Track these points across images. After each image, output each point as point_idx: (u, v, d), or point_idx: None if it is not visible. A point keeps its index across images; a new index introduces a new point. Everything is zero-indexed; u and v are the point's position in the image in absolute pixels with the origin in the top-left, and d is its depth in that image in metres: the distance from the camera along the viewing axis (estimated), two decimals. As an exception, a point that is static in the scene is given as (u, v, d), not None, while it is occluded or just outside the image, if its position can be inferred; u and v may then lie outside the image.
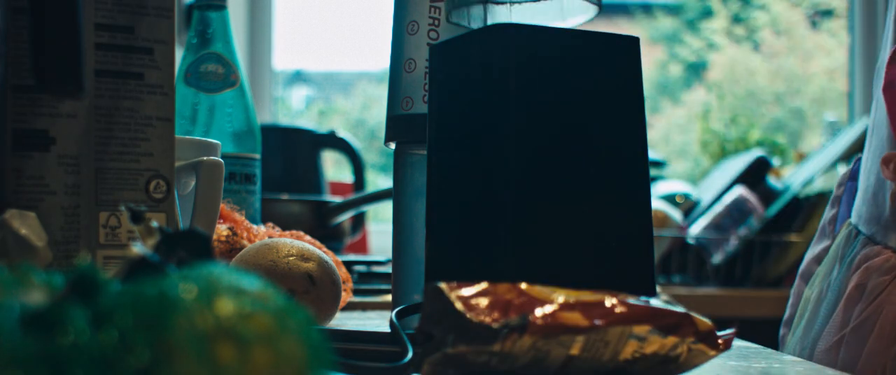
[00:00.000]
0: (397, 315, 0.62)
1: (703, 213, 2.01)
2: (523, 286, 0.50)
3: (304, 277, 0.75)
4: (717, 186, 2.06)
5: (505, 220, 0.68)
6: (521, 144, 0.65)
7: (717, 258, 1.92)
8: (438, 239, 0.68)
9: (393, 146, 0.79)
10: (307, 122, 2.76)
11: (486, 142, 0.66)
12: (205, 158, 0.72)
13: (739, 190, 1.93)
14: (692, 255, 1.98)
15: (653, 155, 2.37)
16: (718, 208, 1.93)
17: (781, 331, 1.02)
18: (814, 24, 3.17)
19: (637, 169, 0.69)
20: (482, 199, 0.68)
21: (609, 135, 0.70)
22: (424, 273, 0.70)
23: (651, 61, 3.14)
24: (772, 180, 2.03)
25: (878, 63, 0.83)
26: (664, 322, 0.51)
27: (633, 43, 0.68)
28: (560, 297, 0.50)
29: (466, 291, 0.49)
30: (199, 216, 0.71)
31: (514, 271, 0.66)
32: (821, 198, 1.92)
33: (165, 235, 0.37)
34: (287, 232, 0.92)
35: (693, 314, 0.53)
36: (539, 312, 0.48)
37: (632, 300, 0.51)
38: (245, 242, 0.85)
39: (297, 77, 2.84)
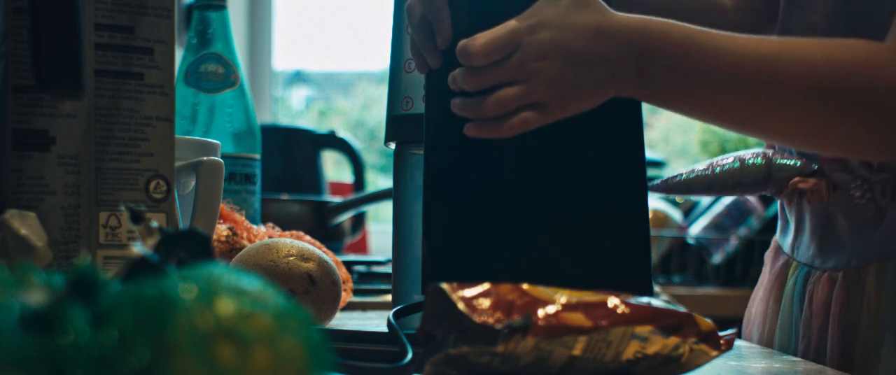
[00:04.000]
0: (395, 315, 0.62)
1: (703, 213, 2.01)
2: (525, 286, 0.50)
3: (304, 277, 0.75)
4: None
5: (502, 221, 0.68)
6: (519, 145, 0.65)
7: (717, 258, 1.92)
8: (436, 240, 0.68)
9: (393, 146, 0.79)
10: (307, 122, 2.76)
11: (483, 143, 0.66)
12: (205, 158, 0.72)
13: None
14: (692, 255, 1.98)
15: (653, 155, 2.37)
16: (718, 208, 1.93)
17: None
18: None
19: (634, 170, 0.69)
20: (480, 200, 0.68)
21: (606, 136, 0.70)
22: (421, 273, 0.69)
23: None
24: (772, 180, 2.03)
25: None
26: (666, 323, 0.51)
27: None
28: (562, 298, 0.50)
29: (468, 292, 0.49)
30: (199, 216, 0.71)
31: (510, 271, 0.66)
32: (821, 198, 1.91)
33: (165, 235, 0.37)
34: (287, 232, 0.92)
35: (695, 314, 0.53)
36: (541, 313, 0.48)
37: (634, 300, 0.51)
38: (245, 242, 0.85)
39: (297, 77, 2.84)
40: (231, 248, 0.85)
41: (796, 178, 0.82)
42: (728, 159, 0.84)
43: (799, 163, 0.82)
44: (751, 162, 0.83)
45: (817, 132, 0.68)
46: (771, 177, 0.83)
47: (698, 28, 0.66)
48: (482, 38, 0.63)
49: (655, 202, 2.02)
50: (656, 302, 0.52)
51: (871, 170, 0.78)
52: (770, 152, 0.84)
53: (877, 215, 0.78)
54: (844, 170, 0.80)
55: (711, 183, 0.84)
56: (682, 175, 0.85)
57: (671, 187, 0.84)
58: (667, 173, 2.45)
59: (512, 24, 0.63)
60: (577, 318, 0.49)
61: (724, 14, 0.95)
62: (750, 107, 0.67)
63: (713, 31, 0.66)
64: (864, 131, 0.67)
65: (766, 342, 0.90)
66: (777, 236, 0.92)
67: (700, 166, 0.84)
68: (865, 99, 0.65)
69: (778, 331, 0.88)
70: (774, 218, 0.88)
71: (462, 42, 0.63)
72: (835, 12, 0.79)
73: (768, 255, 0.93)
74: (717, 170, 0.83)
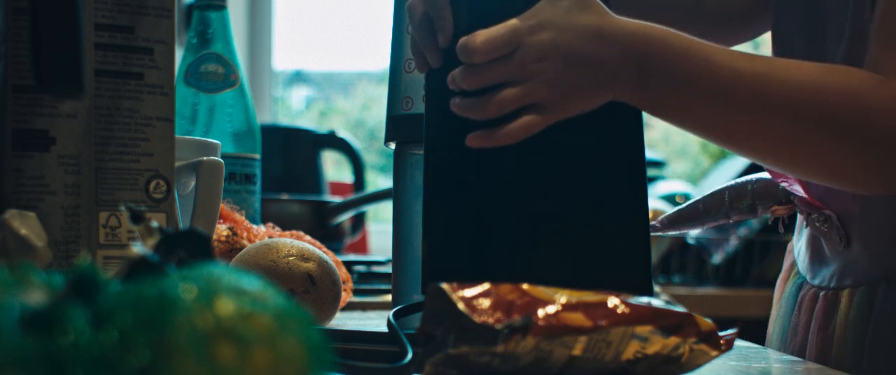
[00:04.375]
0: (395, 315, 0.62)
1: (703, 213, 2.00)
2: (525, 286, 0.50)
3: (304, 277, 0.75)
4: (717, 187, 2.06)
5: (502, 221, 0.68)
6: (519, 145, 0.65)
7: (717, 258, 1.92)
8: (436, 240, 0.68)
9: (393, 146, 0.79)
10: (307, 122, 2.76)
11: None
12: (205, 158, 0.72)
13: (739, 191, 1.93)
14: (692, 255, 1.98)
15: (653, 155, 2.37)
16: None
17: None
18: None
19: (634, 170, 0.69)
20: (480, 200, 0.68)
21: (606, 137, 0.70)
22: (421, 273, 0.69)
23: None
24: (772, 180, 2.03)
25: None
26: (666, 323, 0.51)
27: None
28: (562, 298, 0.50)
29: (468, 292, 0.49)
30: (199, 216, 0.71)
31: (510, 271, 0.66)
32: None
33: (165, 235, 0.37)
34: (287, 232, 0.92)
35: (695, 314, 0.53)
36: (541, 313, 0.48)
37: (634, 300, 0.51)
38: (245, 242, 0.85)
39: (297, 77, 2.84)
40: (231, 248, 0.85)
41: (775, 206, 0.83)
42: (716, 192, 0.86)
43: (780, 190, 0.84)
44: (736, 192, 0.85)
45: (805, 155, 0.69)
46: (757, 204, 0.84)
47: (696, 39, 0.66)
48: (483, 34, 0.63)
49: (655, 202, 2.02)
50: (656, 302, 0.52)
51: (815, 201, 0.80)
52: (754, 179, 0.86)
53: (843, 242, 0.79)
54: (805, 205, 0.81)
55: (703, 217, 0.86)
56: (674, 213, 0.87)
57: (666, 226, 0.86)
58: (666, 173, 2.46)
59: (513, 22, 0.63)
60: (577, 318, 0.49)
61: (725, 2, 0.94)
62: (741, 123, 0.67)
63: (710, 43, 0.66)
64: (852, 158, 0.67)
65: (768, 340, 0.91)
66: (794, 236, 0.93)
67: (690, 202, 0.87)
68: (853, 126, 0.66)
69: (774, 334, 0.89)
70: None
71: (463, 39, 0.63)
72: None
73: (789, 248, 0.94)
74: (710, 203, 0.85)
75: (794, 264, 0.90)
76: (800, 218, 0.91)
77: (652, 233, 0.84)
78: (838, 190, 0.79)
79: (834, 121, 0.66)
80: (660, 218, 0.86)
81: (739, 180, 0.87)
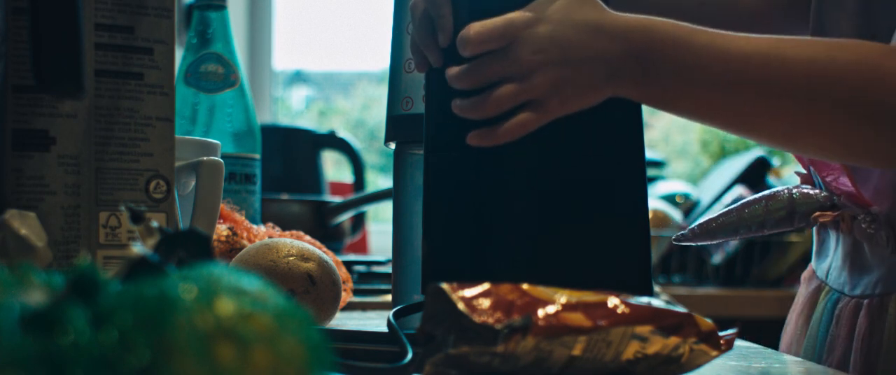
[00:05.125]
0: (395, 315, 0.62)
1: (703, 213, 2.00)
2: (525, 286, 0.50)
3: (304, 277, 0.75)
4: (717, 186, 2.06)
5: (502, 221, 0.68)
6: (519, 145, 0.65)
7: (717, 258, 1.92)
8: (436, 240, 0.68)
9: (393, 146, 0.79)
10: (307, 122, 2.76)
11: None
12: (205, 158, 0.72)
13: (739, 190, 1.93)
14: (692, 255, 1.98)
15: (653, 155, 2.37)
16: (718, 208, 1.93)
17: None
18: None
19: (634, 170, 0.69)
20: (480, 200, 0.68)
21: (606, 136, 0.70)
22: (421, 273, 0.69)
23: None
24: (772, 180, 2.03)
25: None
26: (666, 323, 0.51)
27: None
28: (562, 298, 0.50)
29: (468, 292, 0.49)
30: (199, 216, 0.71)
31: (510, 271, 0.66)
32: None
33: (165, 235, 0.37)
34: (287, 232, 0.92)
35: (695, 314, 0.53)
36: (541, 313, 0.48)
37: (634, 300, 0.51)
38: (245, 242, 0.85)
39: (297, 77, 2.84)
40: (231, 248, 0.85)
41: (817, 212, 0.82)
42: (751, 200, 0.84)
43: (821, 197, 0.82)
44: (773, 200, 0.83)
45: (822, 132, 0.66)
46: (795, 212, 0.82)
47: (700, 28, 0.65)
48: (476, 25, 0.62)
49: (655, 202, 2.02)
50: (656, 302, 0.52)
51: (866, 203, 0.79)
52: (792, 187, 0.84)
53: (891, 244, 0.78)
54: (853, 203, 0.80)
55: (737, 226, 0.84)
56: (707, 221, 0.85)
57: (697, 235, 0.84)
58: (666, 173, 2.46)
59: (510, 16, 0.63)
60: (577, 318, 0.49)
61: (730, 3, 0.93)
62: (755, 107, 0.65)
63: (715, 30, 0.65)
64: (870, 130, 0.65)
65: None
66: (813, 261, 0.91)
67: (724, 211, 0.85)
68: (867, 96, 0.64)
69: (802, 354, 0.87)
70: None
71: (460, 32, 0.63)
72: (859, 14, 0.78)
73: (804, 277, 0.93)
74: (745, 212, 0.83)
75: (820, 287, 0.88)
76: (817, 240, 0.90)
77: (683, 242, 0.83)
78: (886, 189, 0.77)
79: (847, 93, 0.64)
80: (692, 227, 0.85)
81: (776, 189, 0.85)
